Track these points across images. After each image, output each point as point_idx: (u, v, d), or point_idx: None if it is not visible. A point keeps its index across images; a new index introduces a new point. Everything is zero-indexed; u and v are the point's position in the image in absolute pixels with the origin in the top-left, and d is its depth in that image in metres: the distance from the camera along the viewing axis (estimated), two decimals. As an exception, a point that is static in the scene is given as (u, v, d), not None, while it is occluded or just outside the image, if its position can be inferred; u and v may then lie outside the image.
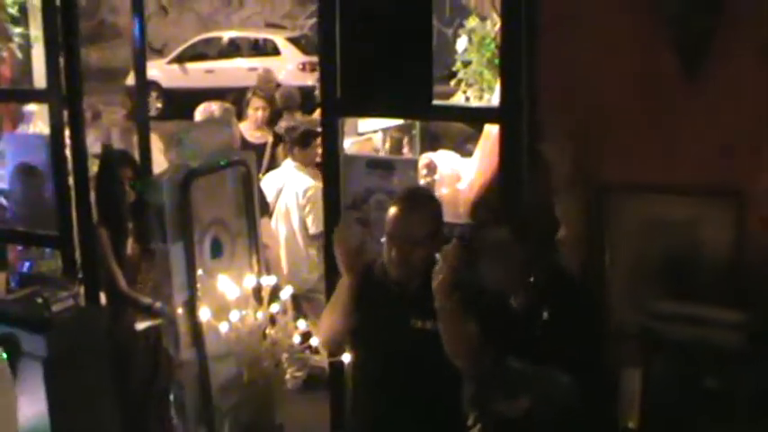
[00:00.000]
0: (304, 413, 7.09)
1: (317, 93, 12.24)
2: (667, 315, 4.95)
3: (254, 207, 5.25)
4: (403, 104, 5.83)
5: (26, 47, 9.17)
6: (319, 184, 8.35)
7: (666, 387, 4.84)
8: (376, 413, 4.88)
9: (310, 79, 19.85)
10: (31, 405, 5.06)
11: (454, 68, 6.94)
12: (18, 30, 9.05)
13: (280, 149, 9.89)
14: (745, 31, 4.86)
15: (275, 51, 24.97)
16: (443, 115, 6.60)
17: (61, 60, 6.75)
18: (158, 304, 6.73)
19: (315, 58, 23.87)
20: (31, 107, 9.32)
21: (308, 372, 8.23)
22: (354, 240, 4.74)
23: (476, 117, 6.57)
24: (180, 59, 25.05)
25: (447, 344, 4.46)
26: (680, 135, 5.06)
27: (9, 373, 4.32)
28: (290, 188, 8.45)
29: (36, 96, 7.97)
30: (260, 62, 23.77)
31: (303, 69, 23.35)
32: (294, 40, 25.45)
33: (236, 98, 11.80)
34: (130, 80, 23.17)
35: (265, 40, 25.66)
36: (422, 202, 4.89)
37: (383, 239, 4.78)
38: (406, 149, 8.23)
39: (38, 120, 9.29)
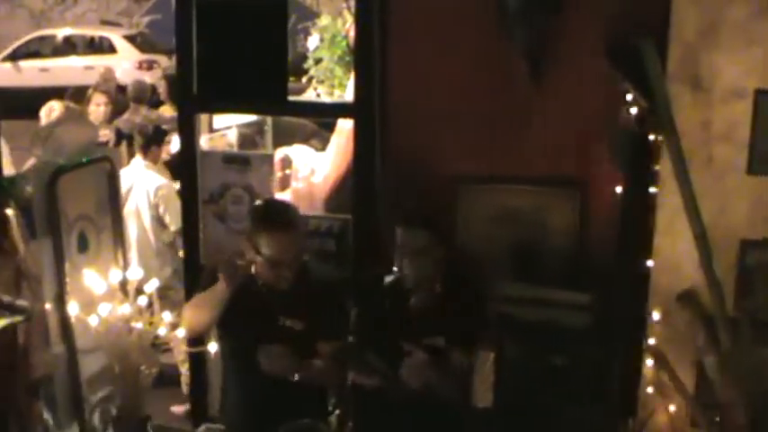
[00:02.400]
0: (162, 408, 7.19)
1: (160, 91, 12.30)
2: (517, 298, 5.21)
3: (119, 203, 5.33)
4: (259, 100, 5.95)
5: None
6: (170, 182, 8.44)
7: (517, 366, 5.07)
8: (248, 397, 5.05)
9: (147, 77, 19.75)
10: None
11: (305, 65, 7.06)
12: None
13: (123, 147, 9.81)
14: (582, 32, 5.15)
15: (111, 49, 24.71)
16: (299, 111, 6.76)
17: None
18: (19, 301, 6.72)
19: (151, 57, 23.79)
20: None
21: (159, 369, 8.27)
22: (239, 276, 4.85)
23: (330, 112, 6.76)
24: (13, 57, 24.55)
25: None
26: (525, 131, 5.34)
27: None
28: (141, 187, 8.38)
29: None
30: (96, 60, 23.52)
31: (140, 68, 23.12)
32: (130, 38, 25.25)
33: (73, 96, 11.63)
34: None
35: (101, 38, 25.34)
36: (296, 221, 4.98)
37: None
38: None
39: None
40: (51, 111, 8.59)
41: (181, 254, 7.06)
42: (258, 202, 5.65)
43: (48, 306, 4.88)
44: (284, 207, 5.20)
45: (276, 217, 4.92)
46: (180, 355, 8.36)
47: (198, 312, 4.90)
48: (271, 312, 4.89)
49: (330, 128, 7.43)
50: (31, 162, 8.39)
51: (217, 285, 4.82)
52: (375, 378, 4.85)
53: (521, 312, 5.20)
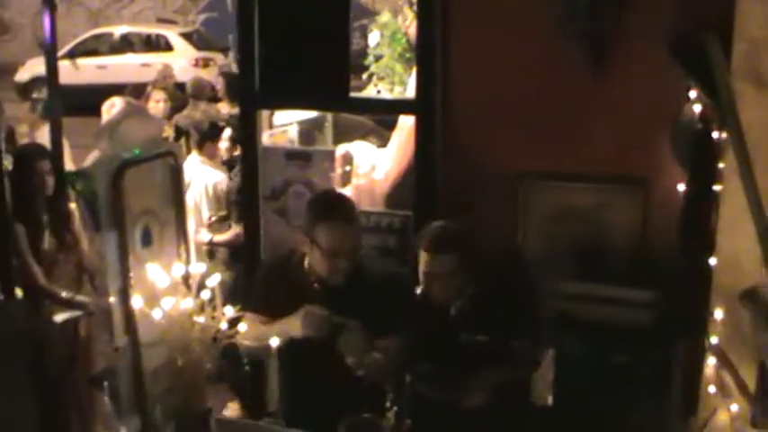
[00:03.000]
0: (220, 403, 7.24)
1: (218, 87, 12.36)
2: (578, 296, 5.20)
3: (182, 197, 5.35)
4: (321, 97, 5.98)
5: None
6: (227, 178, 8.50)
7: (577, 365, 5.07)
8: (305, 392, 5.07)
9: (203, 74, 19.76)
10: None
11: (366, 62, 7.09)
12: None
13: (182, 143, 9.88)
14: (646, 29, 5.12)
15: (168, 47, 24.79)
16: (361, 107, 6.76)
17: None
18: (78, 297, 6.81)
19: (207, 54, 23.89)
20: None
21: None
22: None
23: (392, 109, 6.77)
24: (71, 55, 24.71)
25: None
26: (588, 128, 5.32)
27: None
28: (199, 182, 8.48)
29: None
30: (152, 58, 23.61)
31: (196, 65, 23.19)
32: (187, 36, 25.32)
33: (132, 92, 11.74)
34: (19, 76, 23.14)
35: (158, 36, 25.43)
36: (353, 213, 5.02)
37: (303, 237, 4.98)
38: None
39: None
40: (112, 106, 8.68)
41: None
42: (315, 195, 5.68)
43: (112, 299, 4.91)
44: (342, 198, 5.23)
45: (333, 208, 4.97)
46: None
47: (261, 340, 4.94)
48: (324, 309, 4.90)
49: (387, 125, 7.45)
50: (92, 157, 8.51)
51: (291, 327, 4.85)
52: (433, 387, 4.87)
53: (581, 310, 5.19)
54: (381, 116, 7.81)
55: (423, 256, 4.93)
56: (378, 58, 7.04)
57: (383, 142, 7.16)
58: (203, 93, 11.81)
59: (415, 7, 6.26)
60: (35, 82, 21.77)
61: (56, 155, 7.25)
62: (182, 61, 23.08)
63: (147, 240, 5.07)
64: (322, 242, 4.81)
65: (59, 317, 6.78)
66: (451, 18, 5.53)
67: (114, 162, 4.84)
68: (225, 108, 11.42)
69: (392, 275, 5.27)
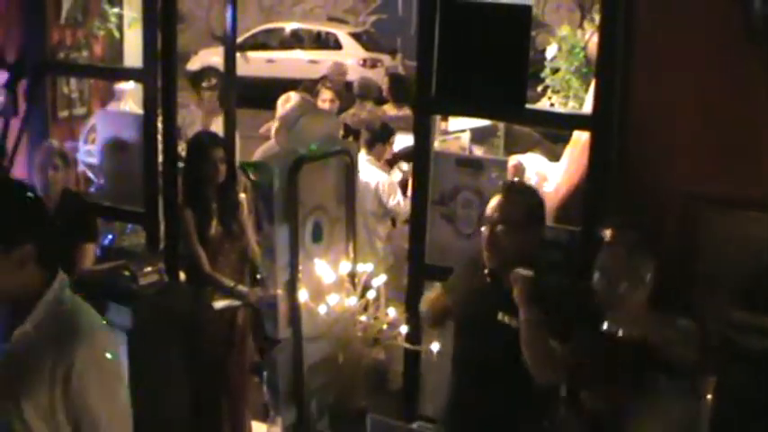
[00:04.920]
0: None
1: (383, 88, 12.43)
2: (745, 326, 5.08)
3: (354, 196, 5.41)
4: (497, 106, 5.95)
5: (119, 27, 9.39)
6: (391, 178, 8.56)
7: (740, 396, 4.95)
8: (466, 398, 5.06)
9: (370, 75, 19.84)
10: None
11: (542, 74, 7.07)
12: (114, 10, 9.26)
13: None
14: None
15: (337, 45, 25.11)
16: (536, 119, 6.70)
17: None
18: (240, 287, 6.92)
19: (375, 55, 24.06)
20: (123, 85, 9.51)
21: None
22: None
23: (568, 123, 6.66)
24: (241, 48, 25.14)
25: (528, 358, 4.65)
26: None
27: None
28: (364, 182, 8.54)
29: (133, 75, 8.14)
30: (321, 55, 23.97)
31: (363, 65, 23.42)
32: (356, 36, 25.59)
33: (305, 89, 11.88)
34: (190, 64, 23.66)
35: (327, 34, 25.77)
36: (521, 190, 5.05)
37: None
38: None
39: (128, 98, 9.50)
40: (287, 101, 8.79)
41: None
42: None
43: (278, 291, 4.99)
44: (520, 181, 5.21)
45: (507, 185, 5.03)
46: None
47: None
48: (491, 305, 4.88)
49: (553, 138, 7.40)
50: (262, 149, 8.65)
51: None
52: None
53: (746, 340, 5.07)
54: (553, 130, 7.75)
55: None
56: (554, 71, 6.99)
57: (549, 155, 7.12)
58: (370, 93, 11.86)
59: (596, 21, 6.19)
60: (205, 71, 22.24)
61: (229, 144, 7.39)
62: (350, 60, 23.21)
63: (317, 236, 5.15)
64: (487, 214, 4.85)
65: (219, 304, 6.89)
66: (635, 33, 5.44)
67: (291, 157, 4.92)
68: (391, 110, 11.48)
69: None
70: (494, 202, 4.87)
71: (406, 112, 10.61)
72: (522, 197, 4.97)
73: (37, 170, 6.84)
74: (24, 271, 3.50)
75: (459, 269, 5.27)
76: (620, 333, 4.66)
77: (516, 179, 6.55)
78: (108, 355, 3.56)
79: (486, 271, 4.91)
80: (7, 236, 3.46)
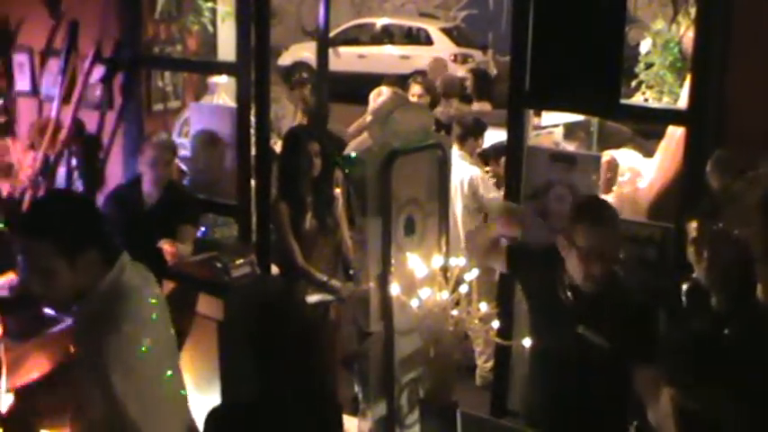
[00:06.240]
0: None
1: (467, 84, 12.40)
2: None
3: (447, 190, 5.41)
4: (591, 101, 5.92)
5: (212, 21, 9.51)
6: (484, 174, 8.54)
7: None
8: (550, 397, 5.06)
9: (461, 71, 19.89)
10: (204, 366, 5.28)
11: (636, 69, 7.01)
12: (208, 5, 9.38)
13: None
14: None
15: (428, 41, 25.04)
16: (630, 114, 6.67)
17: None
18: (333, 281, 6.95)
19: (466, 50, 23.98)
20: (217, 79, 9.63)
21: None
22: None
23: (662, 119, 6.58)
24: (333, 43, 25.22)
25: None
26: None
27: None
28: (456, 177, 8.52)
29: (226, 69, 8.23)
30: (412, 50, 24.01)
31: (454, 60, 23.30)
32: (447, 31, 25.47)
33: (389, 84, 11.88)
34: (282, 59, 23.81)
35: (418, 29, 25.69)
36: (614, 218, 4.89)
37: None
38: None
39: (222, 92, 9.61)
40: (379, 95, 8.83)
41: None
42: (579, 197, 5.66)
43: (371, 284, 5.00)
44: (604, 204, 5.15)
45: (595, 210, 4.88)
46: (479, 347, 8.45)
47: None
48: (570, 317, 4.83)
49: (645, 134, 7.33)
50: (355, 143, 8.68)
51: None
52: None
53: None
54: (646, 126, 7.68)
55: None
56: (648, 66, 6.92)
57: (641, 151, 7.06)
58: (453, 90, 11.85)
59: (692, 15, 6.12)
60: (297, 66, 22.39)
61: (324, 138, 7.43)
62: (440, 56, 23.25)
63: (409, 229, 5.15)
64: (580, 243, 4.75)
65: (312, 298, 6.92)
66: (732, 27, 5.38)
67: (384, 150, 4.93)
68: (477, 107, 11.46)
69: (650, 288, 5.18)
70: (599, 232, 4.75)
71: (487, 107, 10.61)
72: (618, 229, 4.91)
73: (150, 164, 6.99)
74: (90, 271, 3.72)
75: (537, 249, 5.25)
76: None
77: (606, 176, 6.51)
78: (132, 347, 3.71)
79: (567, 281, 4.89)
80: (69, 247, 3.65)
